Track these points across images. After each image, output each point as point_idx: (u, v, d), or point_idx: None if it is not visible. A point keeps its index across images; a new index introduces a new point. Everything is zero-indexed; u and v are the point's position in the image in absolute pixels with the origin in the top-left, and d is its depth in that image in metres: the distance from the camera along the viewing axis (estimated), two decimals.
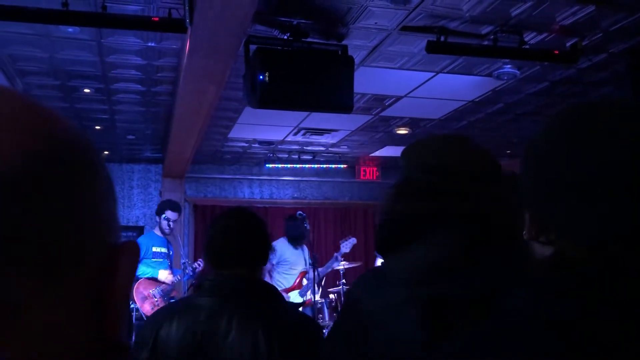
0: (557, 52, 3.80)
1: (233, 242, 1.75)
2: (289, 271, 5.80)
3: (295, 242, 5.70)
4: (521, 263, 1.13)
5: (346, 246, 5.94)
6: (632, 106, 0.71)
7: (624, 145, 0.67)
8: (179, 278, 5.59)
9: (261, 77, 3.46)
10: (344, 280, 6.26)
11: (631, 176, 0.66)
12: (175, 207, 5.57)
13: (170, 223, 5.48)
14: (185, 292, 6.10)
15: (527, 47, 3.82)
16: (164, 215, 5.48)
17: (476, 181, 1.20)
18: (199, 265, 5.50)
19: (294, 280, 5.83)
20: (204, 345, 1.62)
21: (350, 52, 3.77)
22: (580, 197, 0.67)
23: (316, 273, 5.57)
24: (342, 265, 6.34)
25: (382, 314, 1.18)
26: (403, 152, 1.30)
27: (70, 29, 3.60)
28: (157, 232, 5.56)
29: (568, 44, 3.86)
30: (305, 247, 5.90)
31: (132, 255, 0.41)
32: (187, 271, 5.52)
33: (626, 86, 3.96)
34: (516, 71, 4.42)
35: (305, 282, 5.81)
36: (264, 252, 1.82)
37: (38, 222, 0.33)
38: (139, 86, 4.85)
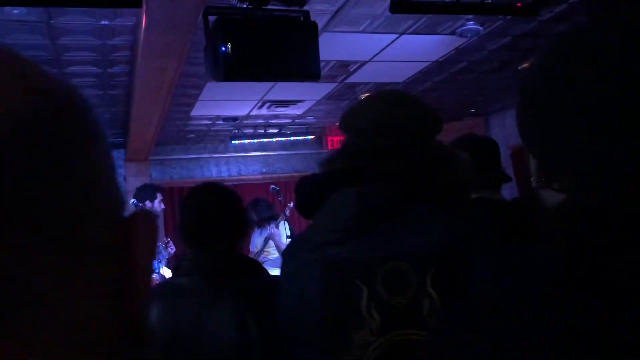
0: (520, 4, 3.79)
1: (208, 217, 1.67)
2: None
3: None
4: (459, 222, 1.11)
5: (287, 211, 5.78)
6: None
7: None
8: None
9: (223, 48, 3.34)
10: None
11: None
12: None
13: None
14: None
15: (490, 1, 3.79)
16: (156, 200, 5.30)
17: (403, 137, 1.17)
18: (172, 247, 5.38)
19: None
20: (186, 328, 1.55)
21: (312, 18, 3.68)
22: (601, 134, 0.59)
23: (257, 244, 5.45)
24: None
25: (291, 276, 1.17)
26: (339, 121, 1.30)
27: (15, 11, 3.40)
28: None
29: None
30: (263, 229, 5.46)
31: (149, 225, 0.35)
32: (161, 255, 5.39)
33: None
34: (479, 27, 4.40)
35: None
36: (242, 226, 1.75)
37: (42, 193, 0.28)
38: (95, 68, 4.65)
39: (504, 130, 7.62)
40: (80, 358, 0.29)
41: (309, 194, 1.21)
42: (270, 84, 5.51)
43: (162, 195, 8.74)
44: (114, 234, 0.32)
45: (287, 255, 1.25)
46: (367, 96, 1.29)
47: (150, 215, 0.35)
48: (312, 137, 8.48)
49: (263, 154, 8.96)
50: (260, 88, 5.68)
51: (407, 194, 1.11)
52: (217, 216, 1.68)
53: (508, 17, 4.17)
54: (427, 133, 1.21)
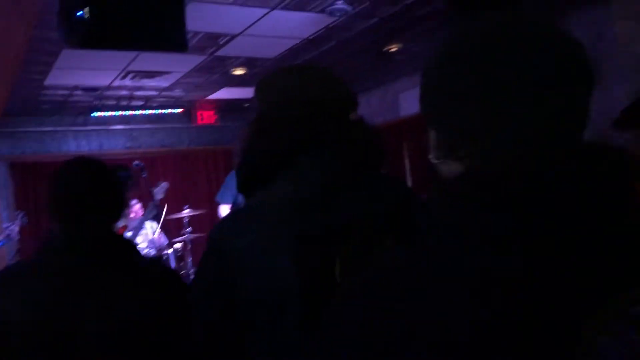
0: None
1: (84, 193, 1.52)
2: None
3: None
4: (399, 187, 1.20)
5: (159, 192, 5.62)
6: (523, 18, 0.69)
7: (542, 45, 0.64)
8: None
9: (81, 13, 3.08)
10: (190, 229, 6.11)
11: (552, 74, 0.63)
12: None
13: None
14: (11, 259, 5.51)
15: None
16: None
17: (335, 109, 1.19)
18: (13, 230, 4.87)
19: None
20: (55, 317, 1.37)
21: None
22: (492, 105, 0.65)
23: (142, 226, 5.49)
24: (186, 213, 6.17)
25: (251, 253, 1.11)
26: (257, 88, 1.27)
27: None
28: None
29: None
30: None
31: None
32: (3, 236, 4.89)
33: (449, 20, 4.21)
34: (348, 7, 4.48)
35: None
36: (119, 204, 1.63)
37: None
38: None
39: (370, 109, 7.90)
40: None
41: (259, 168, 1.16)
42: (134, 53, 5.21)
43: (14, 171, 8.00)
44: None
45: (234, 231, 1.16)
46: (288, 68, 1.27)
47: None
48: (181, 110, 8.18)
49: (127, 127, 8.49)
50: (123, 57, 5.35)
51: (359, 163, 1.17)
52: (94, 192, 1.54)
53: None
54: (350, 108, 1.26)
